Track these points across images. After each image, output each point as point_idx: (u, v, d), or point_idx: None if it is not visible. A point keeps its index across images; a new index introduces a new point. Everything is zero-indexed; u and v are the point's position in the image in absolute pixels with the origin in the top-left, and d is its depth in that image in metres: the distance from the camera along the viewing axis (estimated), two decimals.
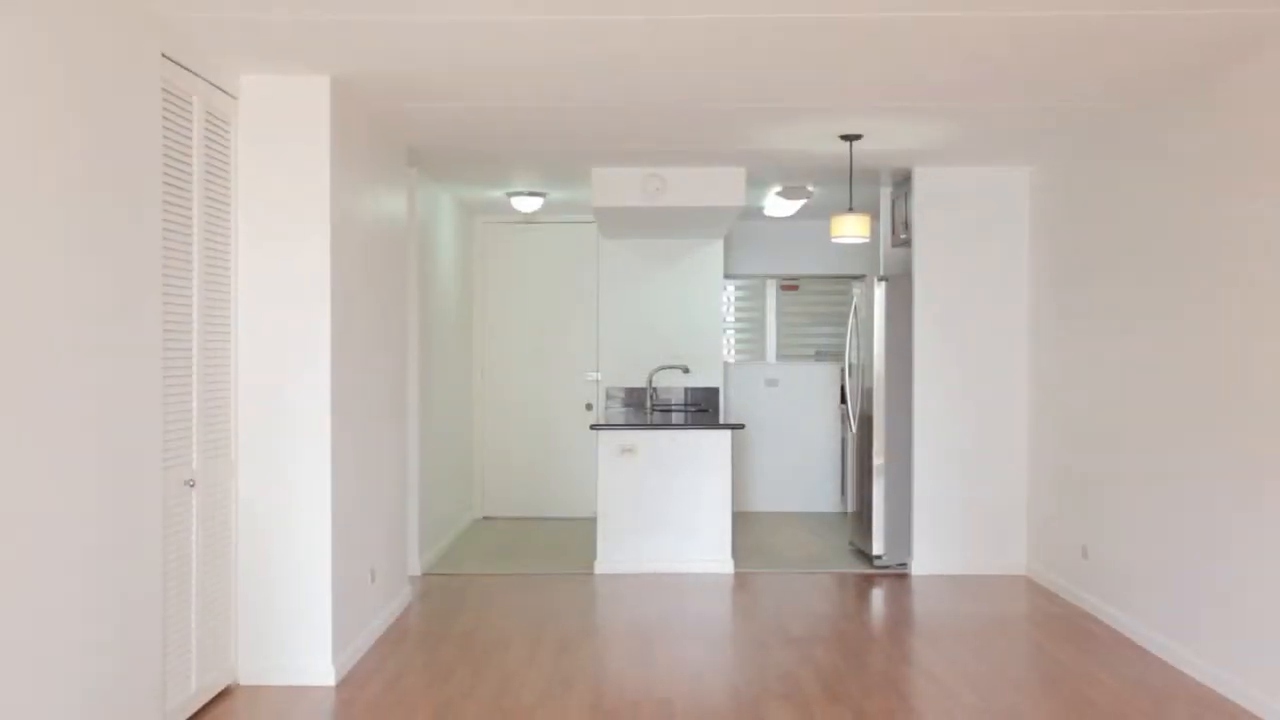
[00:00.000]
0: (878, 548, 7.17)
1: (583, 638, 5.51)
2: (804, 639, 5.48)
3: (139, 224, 3.70)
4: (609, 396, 9.12)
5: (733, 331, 9.73)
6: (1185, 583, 4.96)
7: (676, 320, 9.10)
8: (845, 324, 9.14)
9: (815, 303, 9.69)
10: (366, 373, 5.27)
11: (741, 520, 9.07)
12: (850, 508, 7.96)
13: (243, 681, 4.70)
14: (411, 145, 6.20)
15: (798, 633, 5.60)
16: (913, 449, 7.06)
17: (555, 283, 9.34)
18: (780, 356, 9.69)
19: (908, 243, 7.31)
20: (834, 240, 6.23)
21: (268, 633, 4.69)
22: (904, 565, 7.16)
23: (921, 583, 6.80)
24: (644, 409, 9.02)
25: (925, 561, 7.03)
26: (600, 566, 7.09)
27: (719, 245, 9.09)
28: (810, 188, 7.68)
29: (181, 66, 4.09)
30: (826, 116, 5.46)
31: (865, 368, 7.43)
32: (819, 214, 8.99)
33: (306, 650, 4.71)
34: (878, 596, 6.47)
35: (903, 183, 7.38)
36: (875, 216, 8.48)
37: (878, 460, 7.19)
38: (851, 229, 6.12)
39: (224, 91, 4.49)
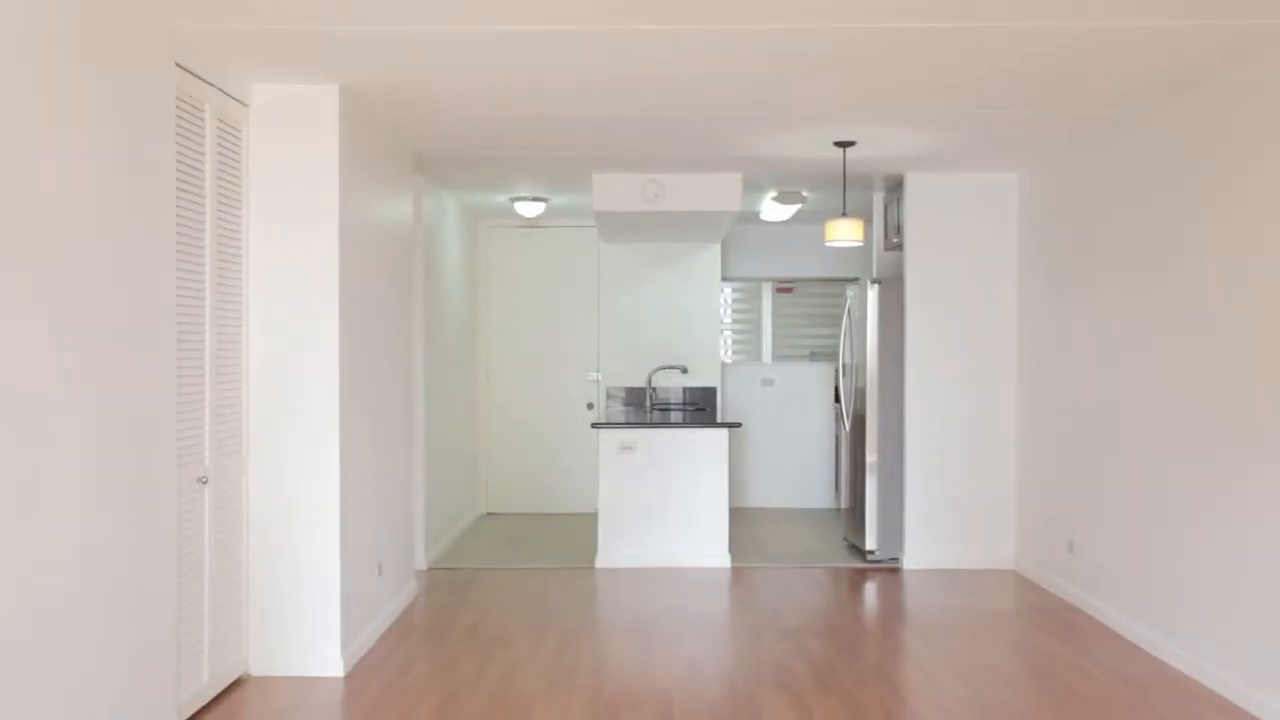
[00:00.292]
0: (870, 543, 7.18)
1: (584, 630, 5.52)
2: (799, 631, 5.48)
3: (153, 227, 3.71)
4: (609, 396, 9.12)
5: (730, 332, 9.74)
6: (1165, 576, 4.97)
7: (675, 322, 9.11)
8: (839, 325, 9.15)
9: (810, 304, 9.70)
10: (374, 373, 5.28)
11: (738, 516, 9.08)
12: (844, 504, 7.96)
13: (254, 672, 4.71)
14: (418, 152, 6.20)
15: (793, 625, 5.61)
16: (904, 447, 7.07)
17: (557, 285, 9.35)
18: (776, 357, 9.70)
19: (899, 246, 7.32)
20: (828, 244, 6.24)
21: (278, 625, 4.70)
22: (896, 560, 7.17)
23: (913, 577, 6.81)
24: (643, 408, 9.03)
25: (916, 556, 7.04)
26: (601, 561, 7.10)
27: (716, 249, 9.09)
28: (805, 193, 7.69)
29: (194, 75, 4.10)
30: (821, 124, 5.47)
31: (858, 368, 7.44)
32: (813, 218, 9.00)
33: (316, 642, 4.72)
34: (870, 590, 6.48)
35: (895, 188, 7.39)
36: (868, 221, 8.50)
37: (871, 458, 7.20)
38: (845, 233, 6.13)
39: (236, 100, 4.50)
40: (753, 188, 7.42)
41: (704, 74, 4.49)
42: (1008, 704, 4.36)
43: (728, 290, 9.71)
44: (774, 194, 7.75)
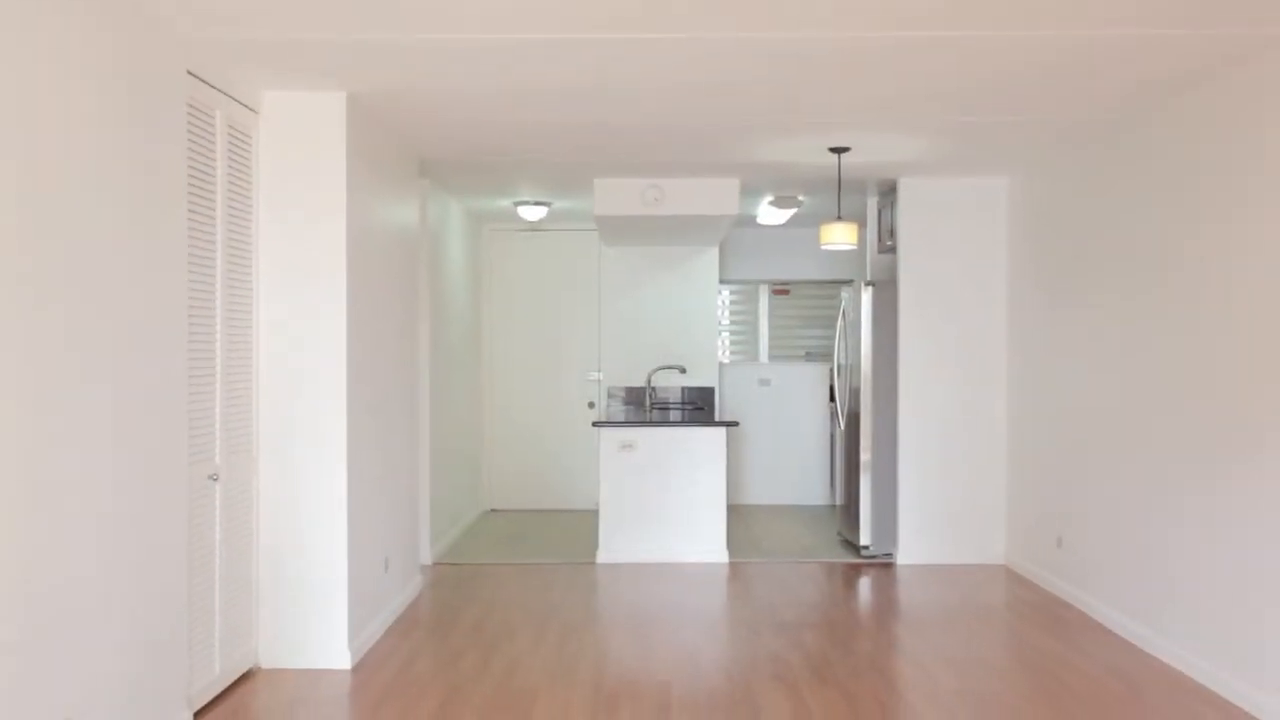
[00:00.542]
0: (865, 539, 7.19)
1: (585, 624, 5.53)
2: (794, 625, 5.49)
3: (165, 229, 3.72)
4: (610, 395, 9.13)
5: (727, 333, 9.74)
6: (1153, 572, 4.98)
7: (674, 323, 9.12)
8: (834, 326, 9.16)
9: (805, 306, 9.71)
10: (381, 373, 5.29)
11: (735, 513, 9.09)
12: (839, 501, 7.97)
13: (264, 665, 4.72)
14: (423, 157, 6.21)
15: (789, 619, 5.61)
16: (898, 445, 7.08)
17: (559, 287, 9.36)
18: (772, 357, 9.70)
19: (893, 249, 7.33)
20: (823, 247, 6.25)
21: (287, 619, 4.71)
22: (889, 555, 7.18)
23: (906, 572, 6.81)
24: (643, 407, 9.04)
25: (910, 552, 7.05)
26: (602, 556, 7.11)
27: (714, 252, 9.10)
28: (801, 197, 7.70)
29: (205, 83, 4.11)
30: (817, 131, 5.48)
31: (853, 368, 7.45)
32: (809, 222, 9.01)
33: (324, 635, 4.72)
34: (864, 585, 6.49)
35: (888, 193, 7.40)
36: (862, 224, 8.51)
37: (865, 456, 7.21)
38: (840, 236, 6.14)
39: (246, 106, 4.50)
40: (750, 192, 7.43)
41: (705, 81, 4.50)
42: (999, 696, 4.37)
43: (725, 292, 9.71)
44: (770, 198, 7.76)
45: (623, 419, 7.70)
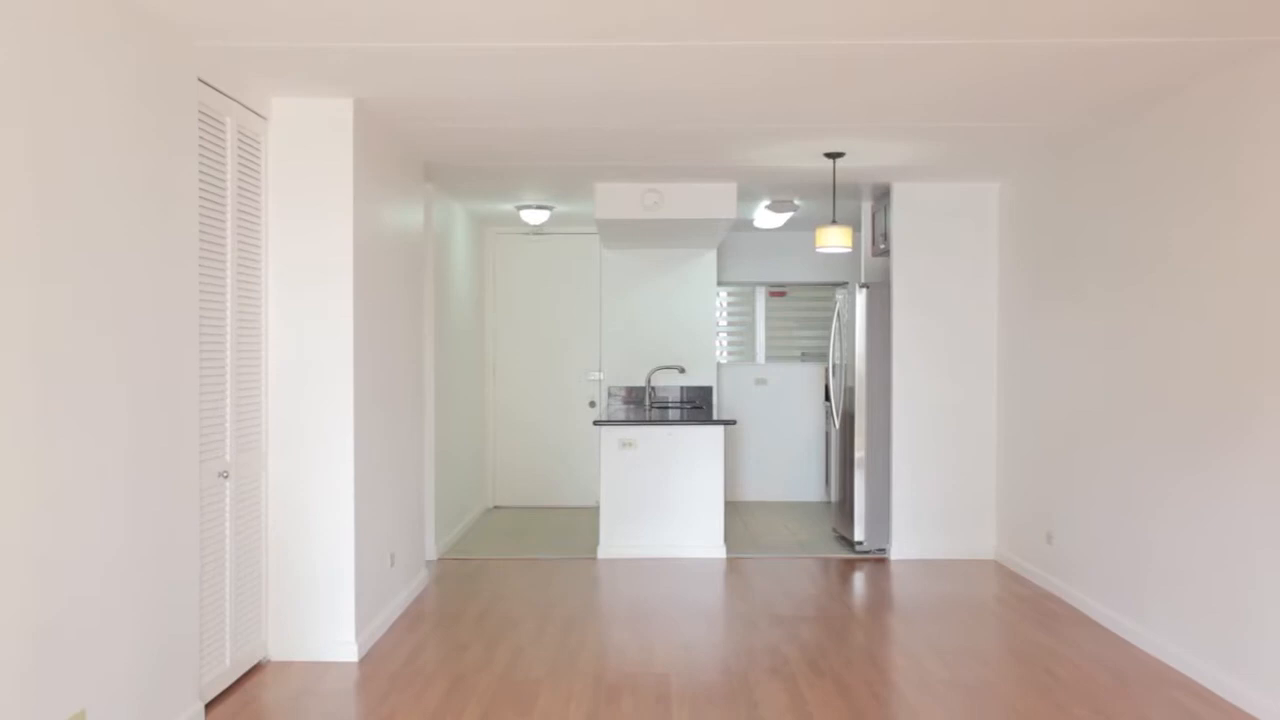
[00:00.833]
0: (859, 534, 7.20)
1: (586, 617, 5.53)
2: (790, 618, 5.50)
3: (177, 231, 3.72)
4: (610, 395, 9.14)
5: (725, 334, 9.75)
6: (1139, 566, 4.98)
7: (673, 324, 9.13)
8: (829, 327, 9.18)
9: (801, 308, 9.71)
10: (387, 372, 5.30)
11: (733, 509, 9.09)
12: (833, 497, 7.98)
13: (273, 657, 4.72)
14: (428, 162, 6.22)
15: (785, 613, 5.62)
16: (891, 443, 7.09)
17: (561, 289, 9.36)
18: (769, 358, 9.71)
19: (887, 252, 7.34)
20: (819, 250, 6.26)
21: (296, 612, 4.72)
22: (883, 551, 7.18)
23: (899, 567, 6.82)
24: (643, 406, 9.05)
25: (903, 547, 7.06)
26: (602, 552, 7.11)
27: (712, 254, 9.11)
28: (797, 201, 7.71)
29: (216, 90, 4.12)
30: (812, 137, 5.49)
31: (847, 368, 7.46)
32: (805, 226, 9.02)
33: (332, 628, 4.73)
34: (859, 580, 6.49)
35: (882, 197, 7.41)
36: (857, 228, 8.52)
37: (859, 453, 7.21)
38: (835, 240, 6.15)
39: (255, 113, 4.51)
40: (747, 196, 7.44)
41: (704, 89, 4.51)
42: (989, 685, 4.38)
43: (723, 294, 9.72)
44: (767, 202, 7.76)
45: (623, 418, 7.70)
